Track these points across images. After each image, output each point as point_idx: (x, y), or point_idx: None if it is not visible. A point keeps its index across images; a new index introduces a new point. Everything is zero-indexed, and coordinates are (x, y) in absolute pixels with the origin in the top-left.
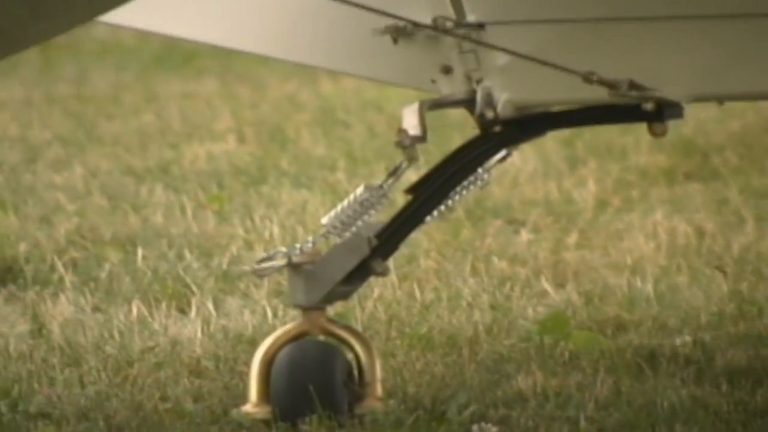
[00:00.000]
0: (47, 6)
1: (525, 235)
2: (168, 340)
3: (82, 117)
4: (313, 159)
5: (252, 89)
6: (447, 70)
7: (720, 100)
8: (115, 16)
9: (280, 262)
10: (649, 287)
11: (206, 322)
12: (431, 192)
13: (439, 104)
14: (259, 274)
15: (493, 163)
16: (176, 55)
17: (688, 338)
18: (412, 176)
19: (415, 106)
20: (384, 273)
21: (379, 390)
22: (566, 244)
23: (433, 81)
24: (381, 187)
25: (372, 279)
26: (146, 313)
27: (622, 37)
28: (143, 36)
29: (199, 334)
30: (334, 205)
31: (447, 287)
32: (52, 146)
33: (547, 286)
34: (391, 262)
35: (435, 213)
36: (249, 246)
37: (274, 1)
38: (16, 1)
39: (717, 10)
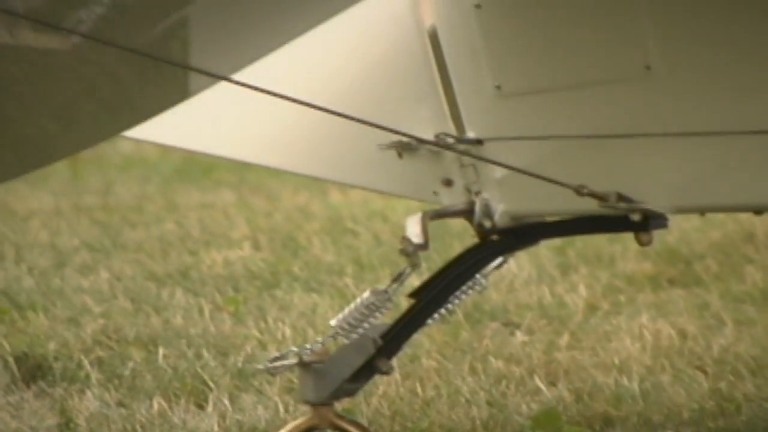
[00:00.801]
0: (76, 121)
1: (520, 337)
2: None
3: (107, 225)
4: (322, 265)
5: (266, 200)
6: (448, 183)
7: (701, 211)
8: (138, 132)
9: (292, 360)
10: (635, 385)
11: (222, 416)
12: (433, 296)
13: (440, 214)
14: (272, 372)
15: (490, 269)
16: (195, 169)
17: None
18: (415, 281)
19: (418, 216)
20: (388, 371)
21: None
22: (558, 345)
23: (435, 193)
24: (386, 291)
25: (377, 377)
26: (167, 408)
27: (610, 152)
28: (165, 150)
29: (215, 427)
30: (342, 308)
31: (447, 385)
32: (80, 252)
33: (540, 384)
34: (395, 362)
35: (436, 315)
36: (263, 346)
37: (285, 117)
38: (48, 116)
39: (698, 129)
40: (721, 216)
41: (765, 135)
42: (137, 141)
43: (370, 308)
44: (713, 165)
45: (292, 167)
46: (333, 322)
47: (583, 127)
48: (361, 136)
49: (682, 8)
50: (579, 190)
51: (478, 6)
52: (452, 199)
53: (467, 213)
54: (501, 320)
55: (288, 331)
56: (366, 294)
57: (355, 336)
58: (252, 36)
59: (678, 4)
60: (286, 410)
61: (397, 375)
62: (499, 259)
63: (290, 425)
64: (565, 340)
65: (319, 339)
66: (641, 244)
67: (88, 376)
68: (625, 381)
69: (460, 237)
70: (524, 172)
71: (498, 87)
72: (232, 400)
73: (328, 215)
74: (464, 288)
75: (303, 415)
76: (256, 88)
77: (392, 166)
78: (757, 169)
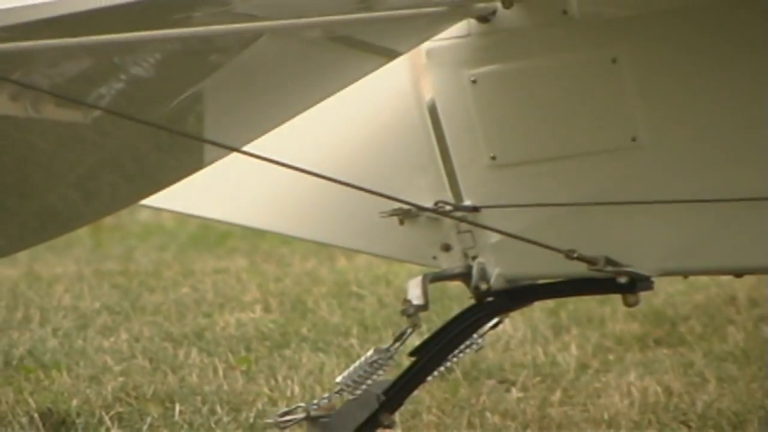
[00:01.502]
0: (97, 190)
1: (515, 393)
2: None
3: (127, 289)
4: (329, 326)
5: (276, 265)
6: (446, 248)
7: (685, 274)
8: (156, 201)
9: (300, 415)
10: None
11: None
12: (432, 354)
13: (439, 277)
14: (282, 427)
15: (486, 329)
16: (210, 236)
17: None
18: (415, 340)
19: (419, 279)
20: (391, 426)
21: None
22: (551, 401)
23: (434, 257)
24: (388, 350)
25: (380, 431)
26: None
27: (599, 219)
28: (181, 219)
29: None
30: (347, 366)
31: None
32: (101, 315)
33: None
34: (396, 416)
35: (435, 373)
36: (273, 402)
37: (295, 186)
38: (70, 185)
39: (682, 196)
40: (704, 279)
41: (744, 202)
42: (155, 209)
43: (374, 366)
44: (696, 230)
45: (301, 234)
46: (338, 379)
47: (573, 195)
48: (364, 204)
49: (666, 85)
50: (569, 255)
51: (474, 81)
52: (450, 263)
53: (465, 276)
54: (497, 378)
55: (297, 389)
56: (370, 352)
57: (359, 392)
58: (262, 110)
59: (662, 81)
60: None
61: (399, 429)
62: (495, 320)
63: None
64: (557, 396)
65: (326, 395)
66: (628, 305)
67: (108, 431)
68: None
69: (458, 299)
70: (518, 238)
71: (493, 158)
72: None
73: (334, 279)
74: (462, 347)
75: None
76: (266, 159)
77: (394, 232)
78: (737, 235)
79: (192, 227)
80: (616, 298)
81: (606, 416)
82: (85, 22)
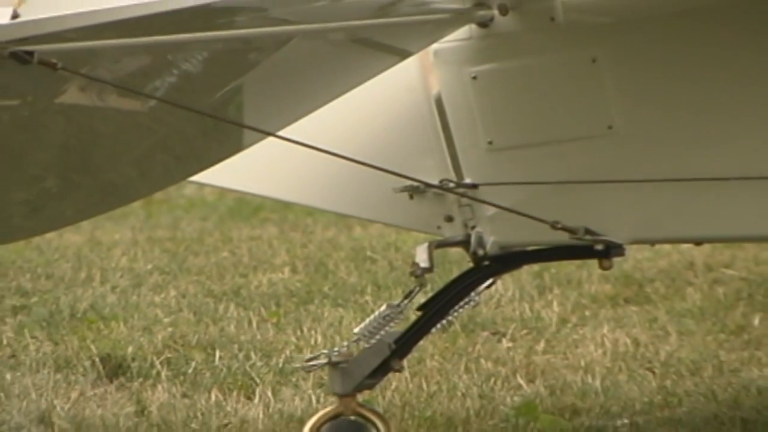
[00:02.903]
0: (150, 169)
1: (505, 343)
2: (238, 420)
3: (174, 253)
4: (347, 286)
5: (302, 233)
6: (449, 219)
7: (652, 243)
8: (199, 177)
9: (323, 361)
10: (598, 383)
11: (266, 406)
12: (436, 310)
13: (443, 244)
14: (307, 370)
15: (482, 289)
16: (245, 208)
17: (626, 421)
18: (421, 298)
19: (425, 246)
20: (400, 370)
21: None
22: (536, 350)
23: (438, 227)
24: (398, 306)
25: (391, 374)
26: (222, 399)
27: (579, 195)
28: (221, 193)
29: (261, 415)
30: (363, 320)
31: (446, 381)
32: (152, 274)
33: (521, 381)
34: (405, 362)
35: (438, 325)
36: (299, 349)
37: (319, 166)
38: (128, 165)
39: (651, 176)
40: (667, 247)
41: (704, 181)
42: (199, 185)
43: (386, 319)
44: (662, 205)
45: (324, 206)
46: (356, 330)
47: (557, 175)
48: (379, 181)
49: (638, 81)
50: (554, 225)
51: (474, 78)
52: (452, 232)
53: (464, 243)
54: (490, 330)
55: (319, 338)
56: (382, 308)
57: (373, 341)
58: (294, 100)
59: (635, 78)
60: (318, 401)
61: (406, 373)
62: (490, 281)
63: (321, 412)
64: (541, 346)
65: (345, 344)
66: (603, 269)
67: (158, 374)
68: (589, 379)
69: (458, 263)
70: (510, 211)
71: (490, 142)
72: (274, 393)
73: (351, 245)
74: (461, 303)
75: (331, 405)
76: (296, 142)
77: (404, 205)
78: (697, 209)
79: (230, 200)
80: (593, 263)
81: (582, 363)
82: (143, 24)
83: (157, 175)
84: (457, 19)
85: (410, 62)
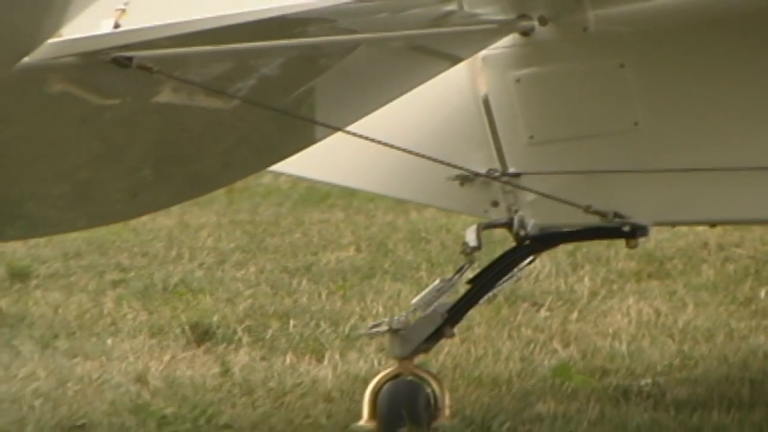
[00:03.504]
0: (233, 161)
1: (543, 313)
2: (309, 380)
3: (253, 234)
4: (405, 263)
5: (365, 217)
6: (495, 204)
7: (672, 225)
8: (276, 167)
9: (384, 328)
10: (624, 347)
11: (335, 367)
12: (483, 284)
13: (489, 226)
14: (370, 336)
15: (523, 265)
16: (316, 195)
17: (649, 381)
18: (470, 273)
19: (474, 227)
20: (451, 336)
21: (447, 412)
22: (570, 319)
23: (485, 211)
24: (450, 280)
25: (443, 340)
26: (295, 362)
27: (609, 183)
28: (294, 181)
29: (330, 375)
30: (419, 293)
31: (491, 346)
32: (235, 253)
33: (557, 346)
34: (456, 329)
35: (485, 297)
36: (363, 318)
37: (382, 157)
38: (213, 157)
39: (672, 167)
40: (684, 228)
41: (717, 171)
42: (275, 174)
43: (439, 292)
44: (681, 192)
45: (385, 192)
46: (413, 301)
47: (590, 165)
48: (434, 171)
49: (660, 83)
50: (587, 209)
51: (517, 81)
52: (498, 215)
53: (508, 225)
54: (529, 301)
55: (380, 309)
56: (436, 282)
57: (428, 311)
58: (360, 100)
59: (657, 80)
60: (380, 363)
61: (457, 339)
62: (530, 258)
63: (383, 373)
64: (574, 316)
65: (403, 313)
66: (629, 248)
67: (240, 339)
68: (617, 345)
69: (501, 242)
70: (548, 197)
71: (531, 137)
72: (341, 356)
73: (408, 228)
74: (505, 278)
75: (391, 366)
76: (361, 136)
77: (455, 192)
78: (712, 196)
79: (302, 188)
80: (620, 243)
81: (611, 330)
82: (227, 33)
83: (238, 166)
84: (502, 29)
85: (461, 67)
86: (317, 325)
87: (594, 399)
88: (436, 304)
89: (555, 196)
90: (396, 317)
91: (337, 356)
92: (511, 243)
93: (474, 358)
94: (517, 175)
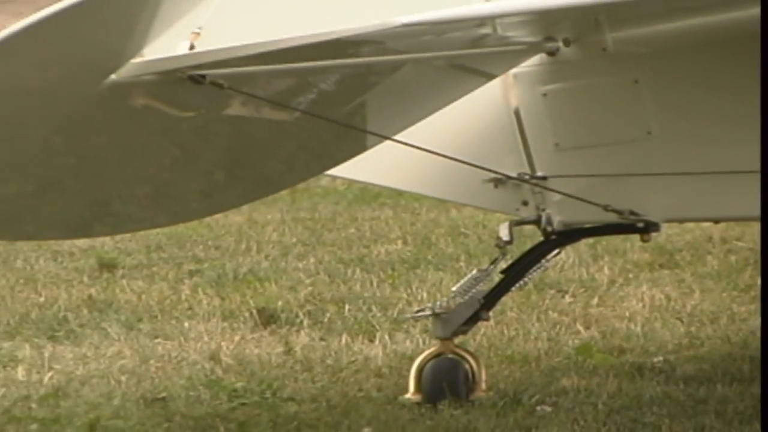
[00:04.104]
0: (294, 165)
1: (567, 299)
2: (362, 357)
3: (313, 230)
4: (446, 255)
5: (411, 214)
6: (525, 203)
7: (681, 221)
8: (333, 171)
9: (428, 312)
10: (639, 329)
11: (384, 347)
12: (515, 273)
13: (520, 223)
14: (415, 320)
15: (550, 257)
16: (368, 195)
17: (661, 358)
18: (504, 264)
19: (507, 224)
20: (487, 319)
21: (483, 386)
22: (591, 304)
23: (517, 209)
24: (486, 270)
25: (480, 323)
26: (350, 342)
27: (625, 185)
28: (349, 183)
29: (380, 354)
30: (458, 281)
31: (522, 328)
32: (297, 246)
33: (580, 327)
34: (491, 313)
35: (517, 285)
36: (409, 303)
37: (427, 163)
38: (278, 162)
39: (681, 170)
40: (691, 225)
41: (721, 174)
42: (332, 177)
43: (476, 280)
44: (689, 193)
45: (429, 192)
46: (453, 289)
47: (608, 169)
48: (471, 174)
49: (671, 96)
50: (606, 208)
51: (544, 95)
52: (527, 213)
53: (537, 222)
54: (556, 288)
55: (425, 295)
56: (474, 272)
57: (467, 297)
58: (407, 112)
59: (668, 94)
60: (424, 343)
61: (492, 322)
62: (556, 251)
63: (427, 352)
64: (595, 301)
65: (445, 299)
66: (643, 241)
67: (301, 322)
68: (632, 326)
69: (531, 237)
70: (572, 197)
71: (557, 144)
72: (390, 337)
73: (449, 224)
74: (534, 268)
75: (434, 346)
76: (408, 144)
77: (491, 192)
78: (716, 196)
79: (355, 189)
80: (635, 237)
81: (627, 314)
82: (289, 54)
83: (299, 170)
84: (531, 49)
85: (495, 82)
86: (369, 310)
87: (612, 374)
88: (473, 291)
89: (577, 196)
90: (438, 302)
91: (386, 337)
92: (539, 237)
93: (507, 339)
94: (544, 178)
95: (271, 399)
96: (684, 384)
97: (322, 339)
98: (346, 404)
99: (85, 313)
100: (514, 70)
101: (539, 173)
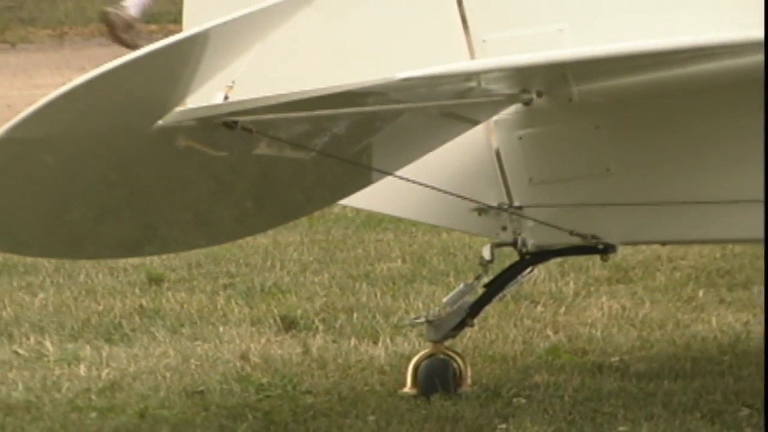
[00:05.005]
0: (311, 196)
1: (539, 308)
2: (368, 357)
3: (328, 249)
4: (438, 271)
5: (409, 237)
6: (504, 228)
7: (635, 244)
8: (344, 201)
9: (422, 319)
10: (599, 333)
11: (386, 348)
12: (496, 287)
13: (500, 245)
14: (412, 326)
15: (525, 274)
16: (372, 221)
17: (617, 358)
18: (486, 279)
19: (489, 246)
20: (472, 326)
21: (469, 381)
22: (559, 312)
23: (497, 234)
24: (471, 284)
25: (466, 329)
26: (358, 344)
27: (588, 213)
28: (357, 210)
29: (383, 354)
30: (448, 293)
31: (502, 332)
32: (312, 264)
33: (550, 332)
34: (475, 321)
35: (497, 297)
36: (407, 312)
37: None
38: (297, 193)
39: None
40: (643, 246)
41: (669, 204)
42: (343, 205)
43: (463, 293)
44: (642, 220)
45: (424, 219)
46: (444, 300)
47: (574, 200)
48: (460, 204)
49: (626, 138)
50: (571, 232)
51: (520, 138)
52: (506, 237)
53: (514, 244)
54: (530, 299)
55: (420, 305)
56: (461, 285)
57: (455, 307)
58: (405, 151)
59: (624, 136)
60: (419, 345)
61: (476, 327)
62: (530, 269)
63: (422, 352)
64: (562, 310)
65: (437, 308)
66: (603, 260)
67: (317, 327)
68: (593, 331)
69: (509, 257)
70: (543, 223)
71: (530, 179)
72: (391, 340)
73: (441, 245)
74: (511, 283)
75: (427, 348)
76: (407, 179)
77: (476, 219)
78: (664, 223)
79: (362, 215)
80: (596, 257)
81: (589, 321)
82: (307, 103)
83: (316, 200)
84: (509, 99)
85: (480, 127)
86: (374, 317)
87: (577, 372)
88: (461, 302)
89: (548, 222)
90: (431, 311)
91: (388, 340)
92: (516, 257)
93: (488, 341)
94: (520, 207)
95: (292, 392)
96: (636, 380)
97: (334, 341)
98: (354, 396)
99: (136, 320)
100: (495, 117)
101: (516, 203)
